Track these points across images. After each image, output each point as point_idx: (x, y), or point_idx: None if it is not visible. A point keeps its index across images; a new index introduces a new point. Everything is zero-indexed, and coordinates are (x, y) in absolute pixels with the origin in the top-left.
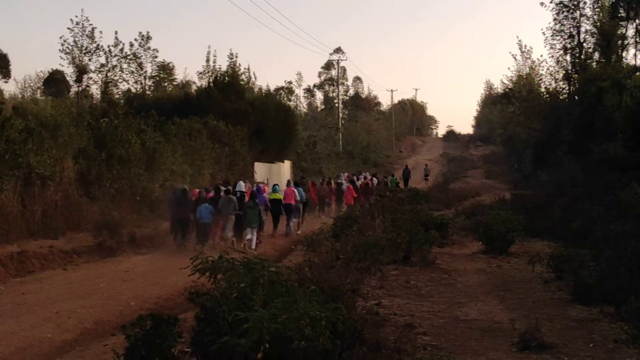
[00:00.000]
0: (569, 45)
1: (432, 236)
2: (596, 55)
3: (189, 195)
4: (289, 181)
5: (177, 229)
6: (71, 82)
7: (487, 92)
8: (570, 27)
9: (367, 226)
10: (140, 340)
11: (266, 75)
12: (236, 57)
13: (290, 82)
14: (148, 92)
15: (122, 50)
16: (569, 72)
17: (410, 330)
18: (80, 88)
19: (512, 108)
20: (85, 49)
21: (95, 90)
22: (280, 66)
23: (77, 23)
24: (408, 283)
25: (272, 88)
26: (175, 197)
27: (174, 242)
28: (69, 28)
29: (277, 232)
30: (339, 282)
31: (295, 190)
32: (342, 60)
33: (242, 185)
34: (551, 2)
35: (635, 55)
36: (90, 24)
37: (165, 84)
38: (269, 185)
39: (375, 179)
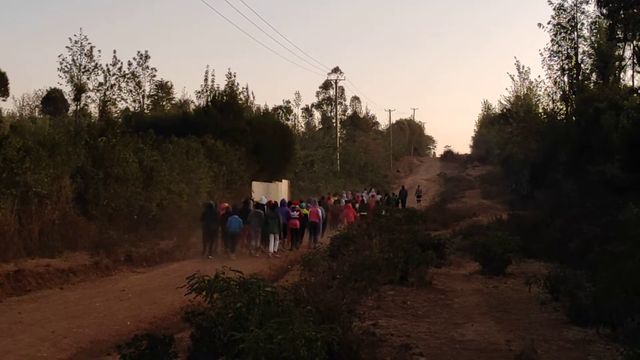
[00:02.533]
0: (566, 66)
1: (429, 256)
2: (594, 76)
3: (215, 210)
4: (314, 200)
5: (207, 238)
6: (69, 101)
7: (485, 113)
8: (567, 48)
9: (364, 246)
10: None
11: (264, 95)
12: (234, 76)
13: (288, 102)
14: (146, 111)
15: (120, 69)
16: (567, 92)
17: (406, 351)
18: (78, 107)
19: (509, 128)
20: (84, 68)
21: (93, 109)
22: (278, 86)
23: (76, 42)
24: (405, 303)
25: (270, 107)
26: (204, 212)
27: (204, 250)
28: (67, 47)
29: (301, 245)
30: (335, 302)
31: (319, 210)
32: (340, 80)
33: (264, 199)
34: (549, 23)
35: (632, 76)
36: (89, 43)
37: (164, 103)
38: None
39: (379, 196)
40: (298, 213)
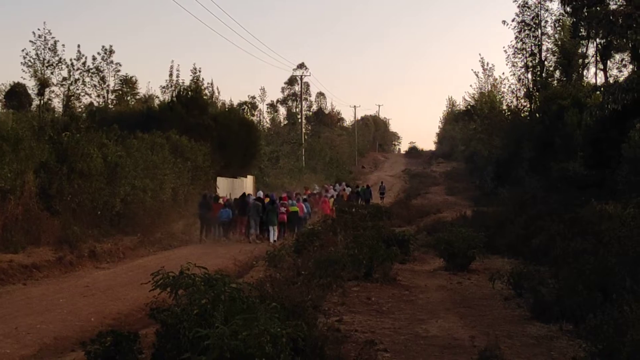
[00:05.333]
0: (530, 64)
1: (394, 252)
2: (557, 74)
3: (209, 200)
4: (298, 197)
5: (203, 225)
6: (33, 96)
7: (450, 109)
8: (531, 46)
9: (329, 242)
10: (100, 356)
11: (229, 90)
12: (199, 71)
13: (253, 97)
14: (110, 106)
15: (84, 63)
16: (530, 90)
17: (370, 347)
18: (42, 101)
19: (474, 125)
20: (48, 62)
21: (57, 104)
22: (243, 81)
23: (40, 36)
24: (369, 299)
25: (235, 103)
26: (201, 202)
27: (200, 236)
28: (31, 41)
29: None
30: (300, 298)
31: (304, 205)
32: (305, 76)
33: (260, 193)
34: (513, 21)
35: (595, 74)
36: (53, 37)
37: (128, 98)
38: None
39: (349, 188)
40: (286, 209)
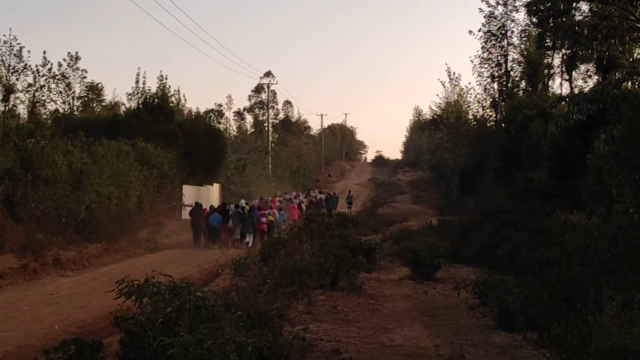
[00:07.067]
0: (496, 74)
1: (360, 261)
2: (523, 84)
3: (200, 208)
4: (272, 204)
5: (195, 232)
6: None
7: (416, 118)
8: (497, 56)
9: (295, 250)
10: None
11: (196, 98)
12: (166, 79)
13: (220, 105)
14: (76, 113)
15: (50, 70)
16: (496, 99)
17: (336, 356)
18: (6, 108)
19: (440, 134)
20: (13, 69)
21: (22, 110)
22: (210, 89)
23: (5, 42)
24: (335, 308)
25: (202, 110)
26: (193, 210)
27: (193, 243)
28: None
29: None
30: (265, 307)
31: (277, 213)
32: (272, 84)
33: (242, 202)
34: (479, 31)
35: (561, 84)
36: (18, 43)
37: (94, 105)
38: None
39: (322, 195)
40: (266, 219)
